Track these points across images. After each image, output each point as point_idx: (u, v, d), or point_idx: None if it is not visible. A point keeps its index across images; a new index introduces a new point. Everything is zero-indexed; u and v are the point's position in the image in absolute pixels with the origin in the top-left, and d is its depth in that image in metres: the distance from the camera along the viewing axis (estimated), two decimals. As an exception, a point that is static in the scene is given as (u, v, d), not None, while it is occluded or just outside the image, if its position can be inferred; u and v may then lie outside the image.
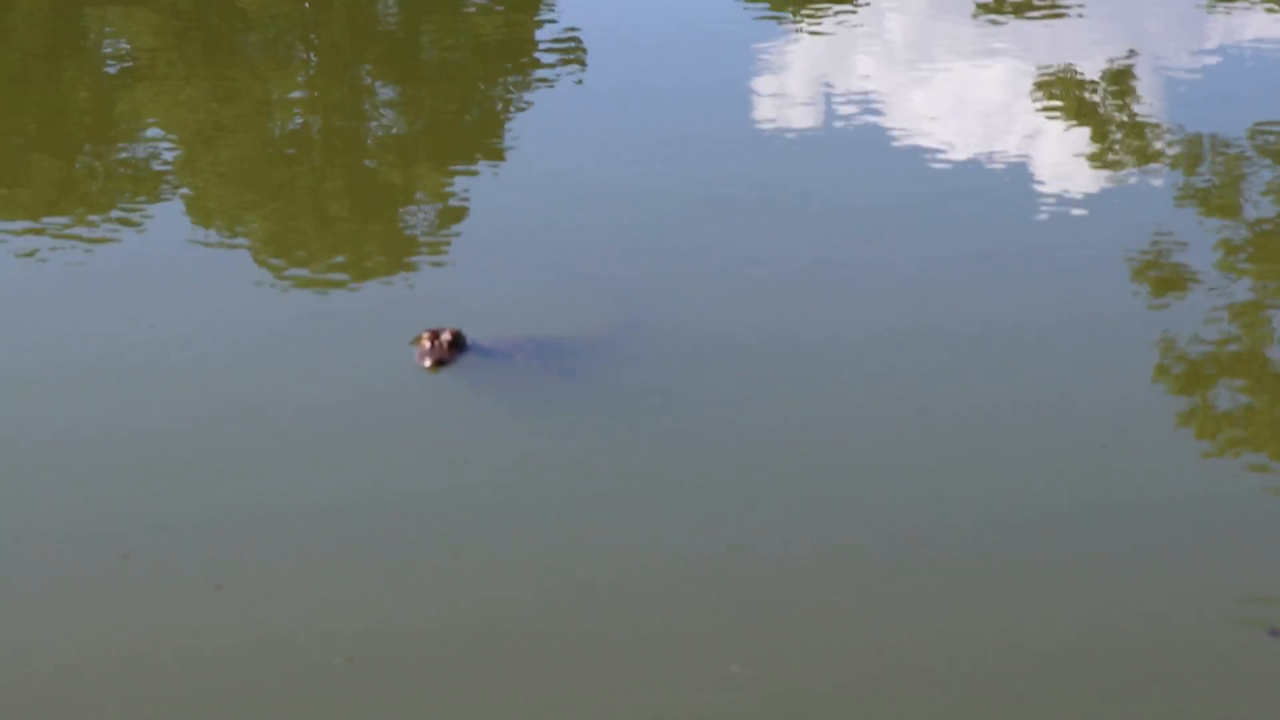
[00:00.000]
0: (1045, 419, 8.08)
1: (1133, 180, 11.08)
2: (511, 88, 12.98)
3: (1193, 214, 10.52)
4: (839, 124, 12.01)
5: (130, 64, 13.23)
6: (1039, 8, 14.86)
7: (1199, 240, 10.08)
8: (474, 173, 11.20)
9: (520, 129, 12.03)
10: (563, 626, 6.69)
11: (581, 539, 7.18)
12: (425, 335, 8.51)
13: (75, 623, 6.66)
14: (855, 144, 11.63)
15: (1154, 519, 7.37)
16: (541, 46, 13.69)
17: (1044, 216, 10.43)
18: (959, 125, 11.98)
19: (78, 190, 10.90)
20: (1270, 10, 14.49)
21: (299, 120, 12.30)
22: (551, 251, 9.76)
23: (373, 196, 10.89)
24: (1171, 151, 11.56)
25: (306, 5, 14.13)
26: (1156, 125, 12.11)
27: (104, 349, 8.62)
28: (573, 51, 13.46)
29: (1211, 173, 11.18)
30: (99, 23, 14.04)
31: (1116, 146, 11.75)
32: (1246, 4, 14.85)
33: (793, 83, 12.85)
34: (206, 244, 9.98)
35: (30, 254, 9.78)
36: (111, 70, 13.32)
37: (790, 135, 11.71)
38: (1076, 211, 10.49)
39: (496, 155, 11.58)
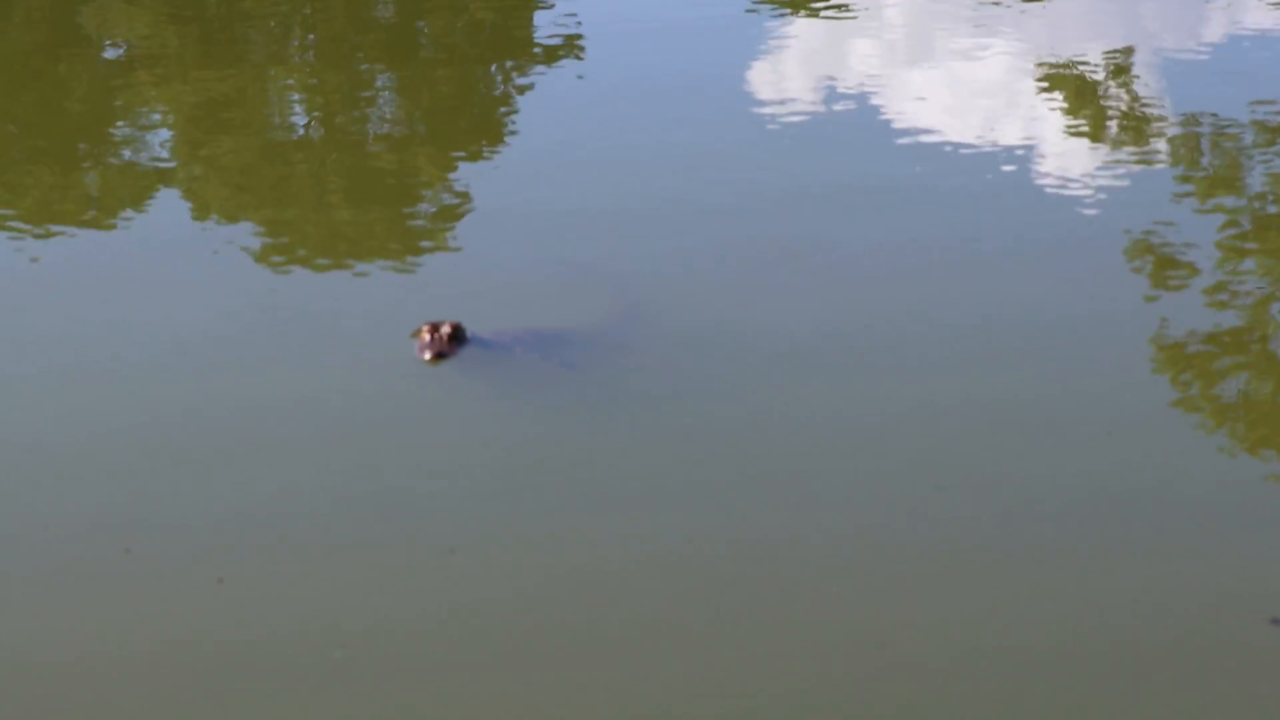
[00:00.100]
0: (1045, 408, 8.08)
1: (1133, 165, 11.07)
2: (511, 76, 12.97)
3: (1193, 199, 10.51)
4: (839, 110, 11.99)
5: (129, 55, 13.22)
6: (1039, -8, 14.84)
7: (1199, 225, 10.06)
8: (473, 163, 11.19)
9: (520, 119, 12.02)
10: (561, 619, 6.69)
11: (581, 532, 7.18)
12: (425, 328, 8.51)
13: (76, 617, 6.68)
14: (856, 130, 11.61)
15: (1154, 508, 7.37)
16: (540, 34, 13.67)
17: (1044, 202, 10.42)
18: (959, 111, 11.97)
19: (76, 182, 10.90)
20: (1274, 5, 14.46)
21: (298, 111, 12.29)
22: (551, 243, 9.75)
23: (372, 188, 10.88)
24: (1171, 136, 11.55)
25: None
26: (1157, 109, 12.10)
27: (101, 343, 8.62)
28: (571, 40, 13.45)
29: (1212, 157, 11.17)
30: (98, 13, 14.02)
31: (1116, 131, 11.74)
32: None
33: (793, 69, 12.83)
34: (205, 237, 9.97)
35: (28, 247, 9.78)
36: (110, 58, 13.31)
37: (791, 121, 11.69)
38: (1077, 197, 10.48)
39: (496, 145, 11.57)
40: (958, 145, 11.27)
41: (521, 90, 12.63)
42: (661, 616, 6.70)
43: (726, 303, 9.03)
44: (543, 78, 12.79)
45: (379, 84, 12.98)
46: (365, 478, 7.53)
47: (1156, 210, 10.27)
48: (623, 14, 14.28)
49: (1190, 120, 11.78)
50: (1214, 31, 13.86)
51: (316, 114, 12.21)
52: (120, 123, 11.90)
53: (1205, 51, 13.39)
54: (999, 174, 10.83)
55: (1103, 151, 11.36)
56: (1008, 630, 6.64)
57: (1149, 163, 11.14)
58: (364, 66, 13.22)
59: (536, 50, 13.33)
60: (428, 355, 8.42)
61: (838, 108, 12.04)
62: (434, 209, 10.53)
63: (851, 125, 11.71)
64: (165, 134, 11.68)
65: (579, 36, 13.52)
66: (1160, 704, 6.31)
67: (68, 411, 8.02)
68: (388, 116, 12.31)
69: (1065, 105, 12.23)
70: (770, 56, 13.11)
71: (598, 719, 6.23)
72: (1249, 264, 9.64)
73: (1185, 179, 10.86)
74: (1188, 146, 11.40)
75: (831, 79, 12.59)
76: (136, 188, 10.72)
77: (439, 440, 7.83)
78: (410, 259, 9.78)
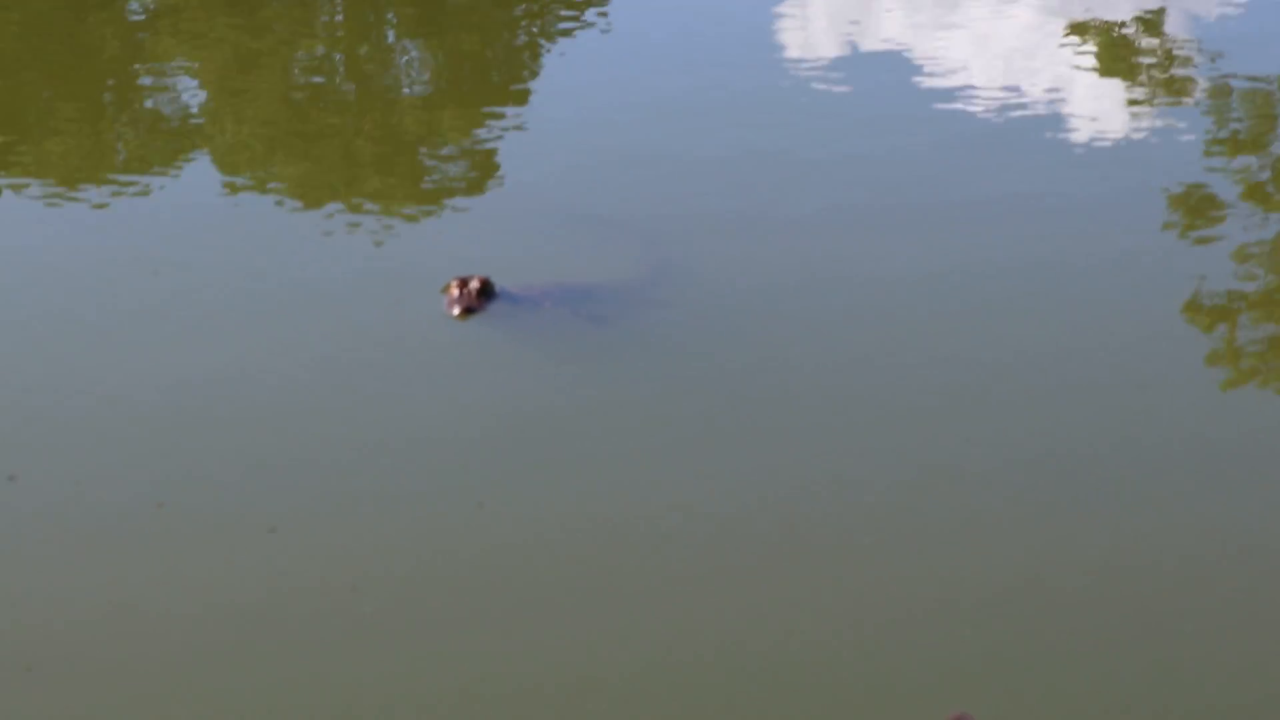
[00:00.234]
0: (1074, 359, 8.07)
1: (1163, 121, 11.03)
2: (536, 35, 12.95)
3: (1223, 153, 10.48)
4: (867, 68, 11.96)
5: (156, 15, 13.23)
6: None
7: (1229, 179, 10.04)
8: (500, 120, 11.19)
9: (546, 76, 12.01)
10: (590, 570, 6.71)
11: (609, 484, 7.20)
12: (454, 283, 8.52)
13: (109, 571, 6.71)
14: (883, 88, 11.58)
15: (1182, 458, 7.37)
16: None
17: (1074, 158, 10.39)
18: (988, 69, 11.93)
19: (105, 142, 10.92)
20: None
21: (325, 72, 12.29)
22: (578, 198, 9.75)
23: (400, 146, 10.89)
24: (1202, 91, 11.51)
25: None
26: (1187, 66, 12.05)
27: (129, 300, 8.65)
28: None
29: (1242, 112, 11.13)
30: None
31: (1147, 87, 11.70)
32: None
33: (820, 26, 12.80)
34: (234, 196, 9.99)
35: (61, 205, 9.81)
36: (137, 19, 13.32)
37: (818, 79, 11.67)
38: (1107, 152, 10.45)
39: (522, 102, 11.57)
40: (988, 102, 11.24)
41: (548, 48, 12.62)
42: (691, 567, 6.72)
43: (753, 256, 9.02)
44: (568, 34, 12.77)
45: (405, 41, 12.98)
46: (394, 431, 7.55)
47: (1187, 161, 10.25)
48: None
49: (1222, 77, 11.73)
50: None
51: (343, 72, 12.21)
52: (147, 79, 11.92)
53: (1239, 6, 13.33)
54: (1029, 128, 10.80)
55: (1134, 104, 11.32)
56: (1037, 578, 6.65)
57: (1180, 114, 11.11)
58: (390, 17, 13.22)
59: (562, 9, 13.31)
60: (456, 310, 8.43)
61: (867, 66, 12.00)
62: (462, 165, 10.54)
63: (880, 81, 11.68)
64: (193, 95, 11.69)
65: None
66: (1184, 650, 6.31)
67: (97, 368, 8.05)
68: (415, 75, 12.32)
69: (1097, 60, 12.19)
70: (799, 15, 13.07)
71: (628, 667, 6.25)
72: (1278, 212, 9.63)
73: (1216, 129, 10.82)
74: (1218, 97, 11.36)
75: (860, 36, 12.55)
76: (165, 146, 10.74)
77: (467, 394, 7.85)
78: (438, 215, 9.79)
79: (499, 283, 8.60)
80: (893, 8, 13.18)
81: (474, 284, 8.48)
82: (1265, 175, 10.17)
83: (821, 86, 11.53)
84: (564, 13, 13.18)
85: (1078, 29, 12.82)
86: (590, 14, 13.10)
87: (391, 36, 13.08)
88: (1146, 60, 12.21)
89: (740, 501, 7.08)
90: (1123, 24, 12.93)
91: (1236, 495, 7.14)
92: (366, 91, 11.85)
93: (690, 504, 7.06)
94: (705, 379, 7.95)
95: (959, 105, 11.15)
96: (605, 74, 11.87)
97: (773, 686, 6.15)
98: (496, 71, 12.31)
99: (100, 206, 9.80)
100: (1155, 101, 11.44)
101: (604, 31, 12.80)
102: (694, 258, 9.00)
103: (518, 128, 11.03)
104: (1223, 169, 10.25)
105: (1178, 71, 11.97)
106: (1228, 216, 9.52)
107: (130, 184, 10.15)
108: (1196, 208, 9.68)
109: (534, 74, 12.13)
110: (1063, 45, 12.47)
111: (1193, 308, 8.59)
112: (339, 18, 13.48)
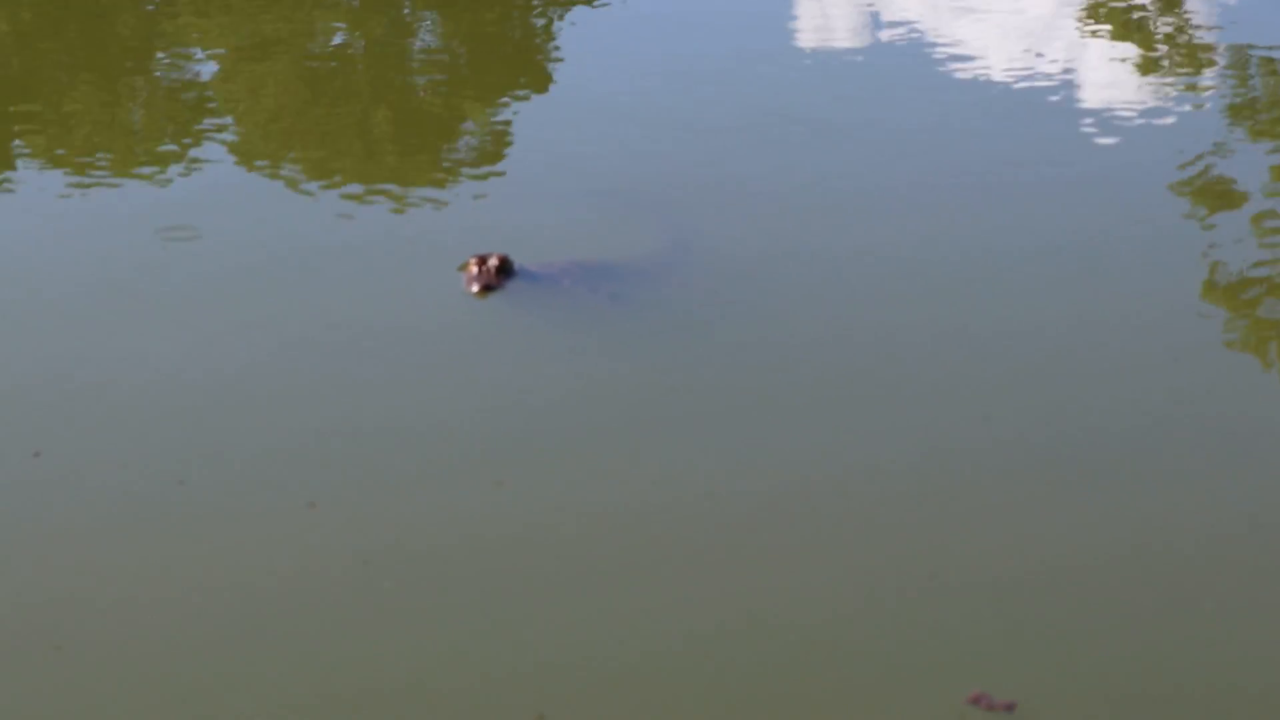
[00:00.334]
0: (1092, 338, 8.06)
1: (1181, 97, 11.01)
2: (553, 10, 12.94)
3: (1242, 131, 10.45)
4: (884, 44, 11.95)
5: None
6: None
7: (1248, 156, 10.02)
8: (519, 97, 11.18)
9: (564, 52, 11.99)
10: (609, 551, 6.71)
11: (629, 463, 7.20)
12: (473, 261, 8.52)
13: (135, 548, 6.72)
14: (901, 63, 11.57)
15: (1203, 438, 7.35)
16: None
17: (1091, 135, 10.38)
18: (1006, 44, 11.91)
19: (122, 120, 10.92)
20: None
21: (342, 48, 12.29)
22: (598, 175, 9.75)
23: (417, 123, 10.88)
24: (1220, 67, 11.48)
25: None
26: (1204, 42, 12.02)
27: (147, 280, 8.65)
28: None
29: (1261, 89, 11.10)
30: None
31: (1164, 63, 11.67)
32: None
33: (838, 2, 12.77)
34: (253, 173, 9.99)
35: (80, 180, 9.81)
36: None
37: (836, 55, 11.66)
38: (1124, 129, 10.43)
39: (540, 79, 11.56)
40: (1005, 77, 11.22)
41: (566, 23, 12.60)
42: (711, 546, 6.72)
43: (773, 233, 9.01)
44: (585, 11, 12.76)
45: (421, 19, 12.97)
46: (413, 410, 7.55)
47: (1205, 138, 10.22)
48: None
49: (1239, 49, 11.70)
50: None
51: (360, 49, 12.20)
52: (162, 56, 11.91)
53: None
54: (1044, 102, 10.79)
55: (1151, 80, 11.29)
56: (1058, 558, 6.64)
57: (1198, 90, 11.08)
58: (407, 5, 13.21)
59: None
60: (475, 288, 8.43)
61: (884, 41, 11.98)
62: (480, 141, 10.53)
63: (898, 56, 11.66)
64: (210, 72, 11.69)
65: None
66: (1210, 632, 6.31)
67: (114, 349, 8.05)
68: (432, 52, 12.30)
69: (1112, 37, 12.16)
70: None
71: (648, 648, 6.25)
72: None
73: (1234, 106, 10.79)
74: (1237, 72, 11.33)
75: (877, 11, 12.53)
76: (181, 123, 10.74)
77: (486, 372, 7.85)
78: (456, 192, 9.78)
79: (518, 260, 8.59)
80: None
81: (493, 261, 8.48)
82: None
83: (841, 65, 11.51)
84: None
85: (1094, 5, 12.79)
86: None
87: (408, 12, 13.06)
88: (1163, 34, 12.18)
89: (765, 480, 7.07)
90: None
91: (1260, 475, 7.13)
92: (384, 68, 11.84)
93: (713, 482, 7.06)
94: (725, 357, 7.94)
95: (977, 83, 11.12)
96: (623, 51, 11.86)
97: (794, 664, 6.15)
98: (514, 49, 12.30)
99: (111, 182, 9.80)
100: (1172, 76, 11.41)
101: (624, 8, 12.79)
102: (715, 235, 9.00)
103: (535, 105, 11.02)
104: (1243, 144, 10.23)
105: (1195, 45, 11.94)
106: (1248, 193, 9.51)
107: (143, 162, 10.15)
108: (1215, 184, 9.65)
109: (553, 49, 12.11)
110: (1079, 21, 12.43)
111: (1212, 282, 8.57)
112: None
